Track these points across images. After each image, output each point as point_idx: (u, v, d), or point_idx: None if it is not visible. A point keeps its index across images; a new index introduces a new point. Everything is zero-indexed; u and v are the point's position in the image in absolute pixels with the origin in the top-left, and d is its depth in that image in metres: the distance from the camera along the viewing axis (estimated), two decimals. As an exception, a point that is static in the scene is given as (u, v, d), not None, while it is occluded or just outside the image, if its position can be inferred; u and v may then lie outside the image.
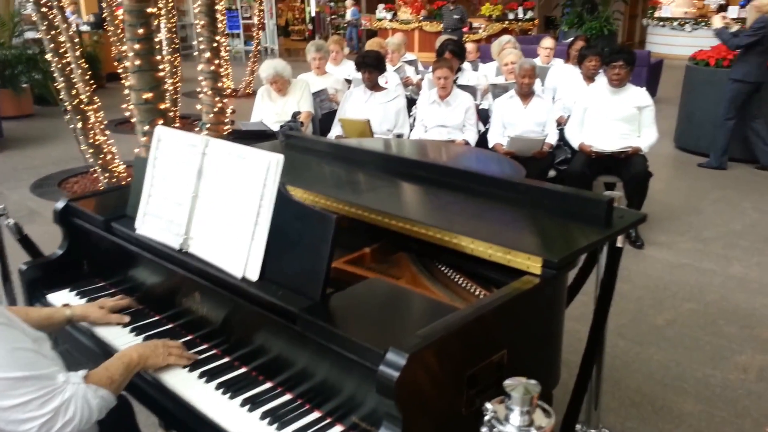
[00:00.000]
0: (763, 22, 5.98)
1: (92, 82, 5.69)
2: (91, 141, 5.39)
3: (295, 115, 4.70)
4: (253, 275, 1.63)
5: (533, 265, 1.59)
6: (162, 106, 3.30)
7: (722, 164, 6.48)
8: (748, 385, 3.01)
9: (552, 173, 4.80)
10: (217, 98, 3.73)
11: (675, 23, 15.47)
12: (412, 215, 1.90)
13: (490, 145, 4.87)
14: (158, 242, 1.87)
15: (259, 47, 12.04)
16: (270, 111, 5.02)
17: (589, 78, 5.35)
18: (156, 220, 1.92)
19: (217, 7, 3.88)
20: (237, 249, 1.67)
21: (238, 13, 17.86)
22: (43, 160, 6.99)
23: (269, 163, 1.64)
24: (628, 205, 4.65)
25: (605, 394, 2.72)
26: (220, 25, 11.01)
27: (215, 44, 3.71)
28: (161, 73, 3.31)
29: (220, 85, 3.75)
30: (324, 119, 5.34)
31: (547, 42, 6.51)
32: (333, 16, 20.53)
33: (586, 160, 4.56)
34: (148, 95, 3.23)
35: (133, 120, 3.39)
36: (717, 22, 6.45)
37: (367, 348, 1.32)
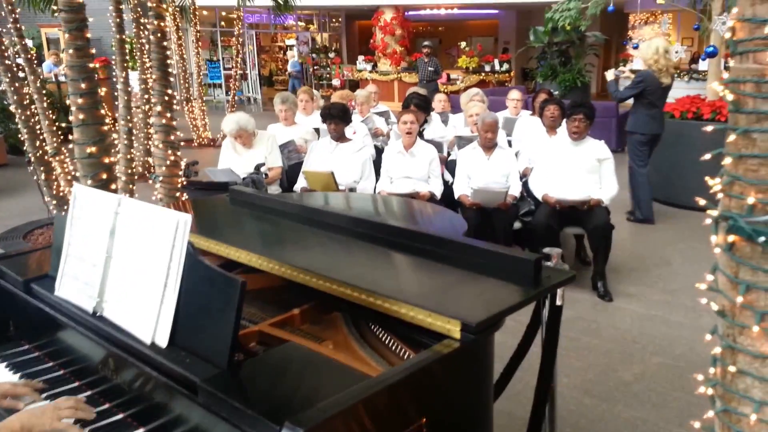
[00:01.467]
0: (642, 77, 6.12)
1: (60, 132, 5.65)
2: (55, 192, 5.31)
3: (258, 167, 4.67)
4: (162, 341, 1.55)
5: (453, 328, 1.53)
6: (107, 160, 3.25)
7: (648, 215, 6.44)
8: (714, 443, 2.91)
9: (517, 225, 4.77)
10: (170, 151, 3.69)
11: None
12: (339, 275, 1.83)
13: (456, 197, 4.86)
14: (74, 305, 1.80)
15: (236, 97, 12.12)
16: (236, 163, 4.98)
17: (551, 128, 5.37)
18: (73, 282, 1.84)
19: (169, 59, 3.84)
20: (147, 313, 1.60)
21: (220, 64, 18.11)
22: (11, 211, 6.89)
23: (177, 224, 1.58)
24: (594, 256, 4.63)
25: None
26: (198, 77, 11.21)
27: (167, 97, 3.69)
28: (106, 127, 3.28)
29: (172, 138, 3.72)
30: (291, 171, 5.30)
31: (515, 94, 6.57)
32: (315, 67, 20.84)
33: (550, 212, 4.54)
34: (92, 149, 3.19)
35: (77, 174, 3.35)
36: (609, 74, 6.58)
37: (263, 422, 1.23)
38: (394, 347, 1.73)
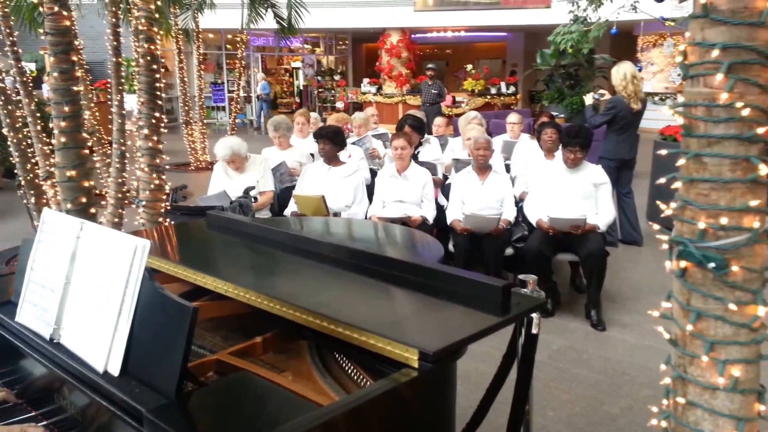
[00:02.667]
0: (614, 102, 6.11)
1: (53, 156, 5.65)
2: (44, 216, 5.28)
3: (248, 190, 4.65)
4: (115, 369, 1.52)
5: (411, 357, 1.49)
6: (86, 184, 3.24)
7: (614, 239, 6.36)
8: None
9: (509, 251, 4.70)
10: (154, 175, 3.68)
11: (656, 98, 15.76)
12: (302, 302, 1.79)
13: (449, 221, 4.80)
14: (32, 331, 1.77)
15: (238, 120, 12.18)
16: (228, 188, 4.95)
17: (549, 151, 5.33)
18: (32, 308, 1.81)
19: (158, 82, 3.84)
20: (100, 340, 1.56)
21: (224, 87, 18.25)
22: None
23: (135, 249, 1.55)
24: (587, 283, 4.54)
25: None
26: (199, 100, 11.26)
27: (154, 120, 3.69)
28: (87, 150, 3.26)
29: (158, 161, 3.70)
30: (282, 194, 5.26)
31: (513, 117, 6.54)
32: (320, 90, 20.96)
33: (543, 238, 4.47)
34: (72, 173, 3.18)
35: (57, 197, 3.33)
36: (588, 99, 6.55)
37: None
38: (356, 377, 1.68)
